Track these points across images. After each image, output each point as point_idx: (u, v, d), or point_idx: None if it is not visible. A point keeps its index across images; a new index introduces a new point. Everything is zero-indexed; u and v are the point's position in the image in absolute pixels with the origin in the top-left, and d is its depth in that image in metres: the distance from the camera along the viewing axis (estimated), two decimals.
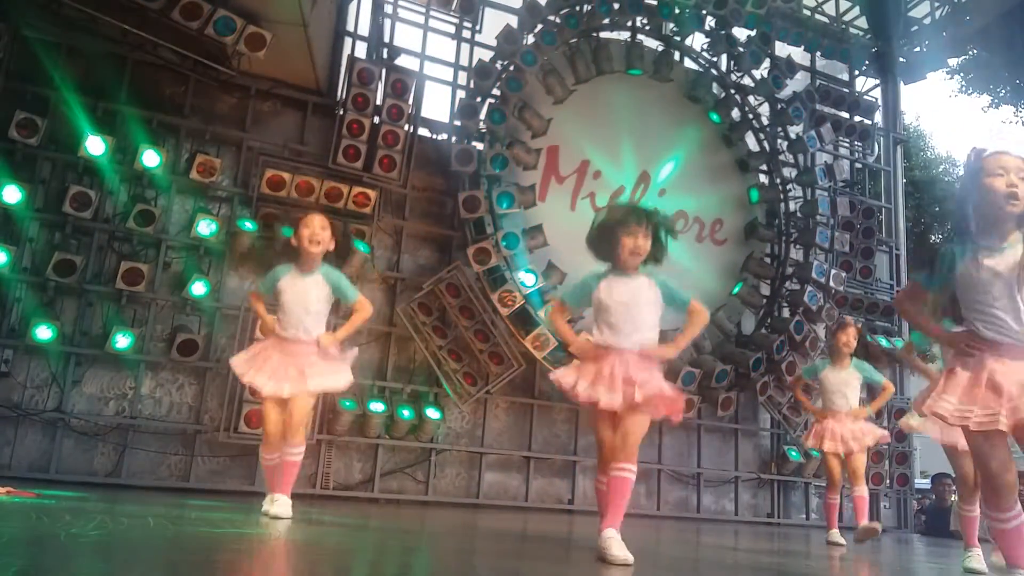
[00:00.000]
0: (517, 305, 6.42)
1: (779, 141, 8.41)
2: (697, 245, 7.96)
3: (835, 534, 5.28)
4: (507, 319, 6.49)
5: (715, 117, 8.27)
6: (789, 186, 8.41)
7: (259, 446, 4.07)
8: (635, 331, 3.22)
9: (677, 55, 8.21)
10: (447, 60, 7.38)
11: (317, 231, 3.83)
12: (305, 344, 3.85)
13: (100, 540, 2.37)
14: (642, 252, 3.22)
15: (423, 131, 7.06)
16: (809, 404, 5.79)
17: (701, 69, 8.26)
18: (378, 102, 6.51)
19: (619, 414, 3.16)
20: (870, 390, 5.81)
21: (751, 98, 8.40)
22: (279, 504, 3.74)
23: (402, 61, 6.99)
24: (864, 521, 5.07)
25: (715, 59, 8.24)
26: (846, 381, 5.35)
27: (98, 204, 5.66)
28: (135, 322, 5.80)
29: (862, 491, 5.21)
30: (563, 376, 3.29)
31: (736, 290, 7.92)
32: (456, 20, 7.37)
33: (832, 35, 9.37)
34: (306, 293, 3.87)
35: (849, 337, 5.40)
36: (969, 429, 2.58)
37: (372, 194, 6.37)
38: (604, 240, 3.29)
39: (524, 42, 7.04)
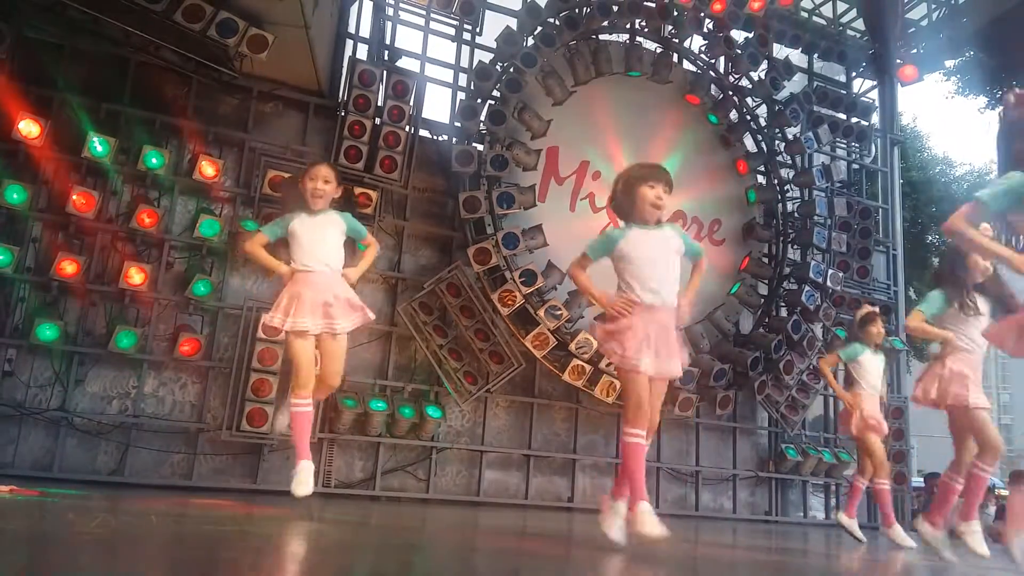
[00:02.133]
0: (517, 305, 6.47)
1: (777, 142, 8.45)
2: None
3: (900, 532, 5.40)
4: (507, 319, 6.53)
5: (713, 118, 8.31)
6: (787, 187, 8.45)
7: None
8: (661, 285, 3.17)
9: (675, 57, 8.25)
10: (448, 62, 7.42)
11: (320, 186, 3.77)
12: (325, 275, 3.77)
13: (103, 538, 2.38)
14: (662, 205, 3.20)
15: (424, 132, 7.11)
16: (840, 389, 5.67)
17: (699, 71, 8.30)
18: (379, 103, 6.56)
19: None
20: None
21: (749, 99, 8.44)
22: (303, 477, 3.57)
23: (403, 63, 7.05)
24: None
25: (713, 61, 8.29)
26: (880, 366, 5.55)
27: (101, 205, 5.70)
28: (138, 321, 5.85)
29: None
30: (612, 348, 3.13)
31: (734, 290, 7.96)
32: (456, 22, 7.41)
33: (829, 37, 9.42)
34: (321, 228, 3.82)
35: (880, 327, 5.58)
36: None
37: (373, 195, 6.42)
38: (626, 196, 3.26)
39: (524, 44, 7.08)
